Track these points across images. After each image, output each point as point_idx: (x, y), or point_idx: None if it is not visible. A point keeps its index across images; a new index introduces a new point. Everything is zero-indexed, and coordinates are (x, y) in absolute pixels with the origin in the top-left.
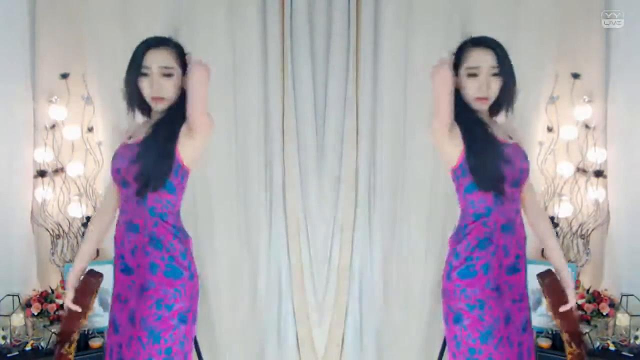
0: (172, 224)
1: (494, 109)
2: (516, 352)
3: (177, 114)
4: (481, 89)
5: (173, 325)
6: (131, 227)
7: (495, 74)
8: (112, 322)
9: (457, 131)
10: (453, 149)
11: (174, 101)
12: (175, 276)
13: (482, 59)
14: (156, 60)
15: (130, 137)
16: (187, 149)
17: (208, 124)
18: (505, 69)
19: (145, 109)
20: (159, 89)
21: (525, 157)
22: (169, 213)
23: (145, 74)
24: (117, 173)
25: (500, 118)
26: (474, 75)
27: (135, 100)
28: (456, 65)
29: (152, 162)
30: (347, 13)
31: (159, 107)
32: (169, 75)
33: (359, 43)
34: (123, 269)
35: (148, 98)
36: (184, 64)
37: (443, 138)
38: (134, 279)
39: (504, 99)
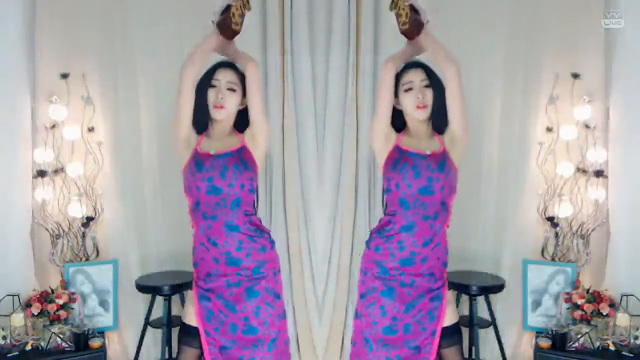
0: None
1: (437, 125)
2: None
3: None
4: (417, 98)
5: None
6: (232, 228)
7: (426, 86)
8: (207, 310)
9: (392, 140)
10: (384, 155)
11: (233, 116)
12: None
13: (414, 75)
14: (225, 76)
15: (200, 146)
16: (254, 153)
17: (267, 127)
18: (434, 82)
19: (203, 125)
20: (223, 99)
21: (439, 166)
22: (251, 211)
23: (214, 86)
24: (207, 182)
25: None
26: (409, 89)
27: (200, 113)
28: (396, 90)
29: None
30: (347, 13)
31: (219, 115)
32: (232, 90)
33: (359, 42)
34: (228, 262)
35: (211, 106)
36: (245, 86)
37: (379, 142)
38: (244, 267)
39: (440, 111)
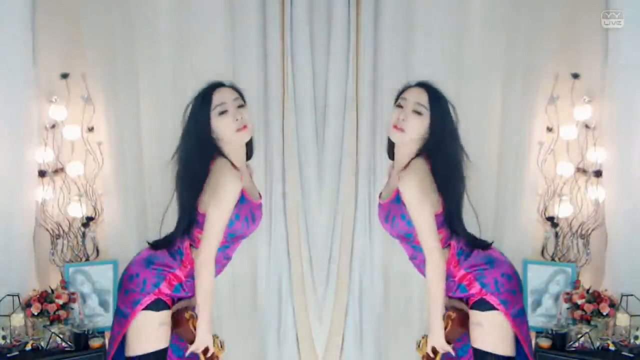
0: None
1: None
2: None
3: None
4: (399, 120)
5: None
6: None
7: (416, 111)
8: None
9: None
10: None
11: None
12: None
13: (411, 94)
14: (228, 96)
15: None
16: None
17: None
18: (432, 111)
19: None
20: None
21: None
22: None
23: (224, 112)
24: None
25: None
26: (400, 106)
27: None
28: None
29: None
30: (347, 13)
31: (245, 138)
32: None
33: (359, 43)
34: None
35: (232, 133)
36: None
37: None
38: None
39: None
